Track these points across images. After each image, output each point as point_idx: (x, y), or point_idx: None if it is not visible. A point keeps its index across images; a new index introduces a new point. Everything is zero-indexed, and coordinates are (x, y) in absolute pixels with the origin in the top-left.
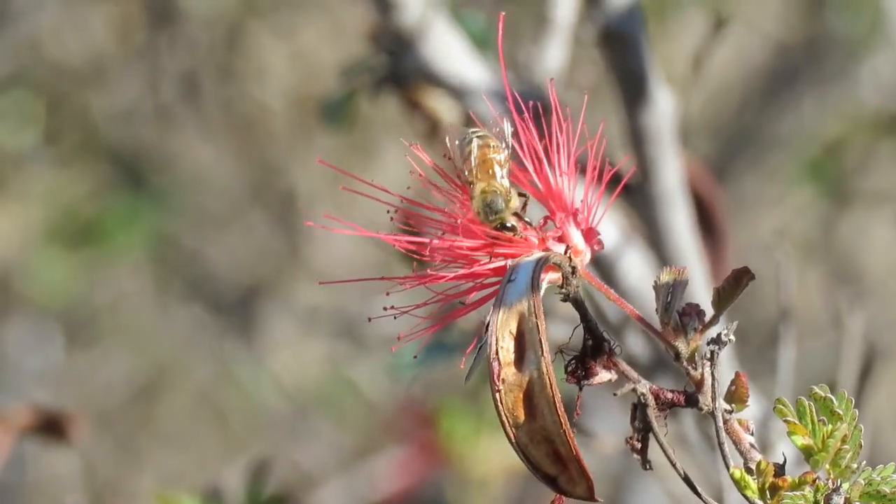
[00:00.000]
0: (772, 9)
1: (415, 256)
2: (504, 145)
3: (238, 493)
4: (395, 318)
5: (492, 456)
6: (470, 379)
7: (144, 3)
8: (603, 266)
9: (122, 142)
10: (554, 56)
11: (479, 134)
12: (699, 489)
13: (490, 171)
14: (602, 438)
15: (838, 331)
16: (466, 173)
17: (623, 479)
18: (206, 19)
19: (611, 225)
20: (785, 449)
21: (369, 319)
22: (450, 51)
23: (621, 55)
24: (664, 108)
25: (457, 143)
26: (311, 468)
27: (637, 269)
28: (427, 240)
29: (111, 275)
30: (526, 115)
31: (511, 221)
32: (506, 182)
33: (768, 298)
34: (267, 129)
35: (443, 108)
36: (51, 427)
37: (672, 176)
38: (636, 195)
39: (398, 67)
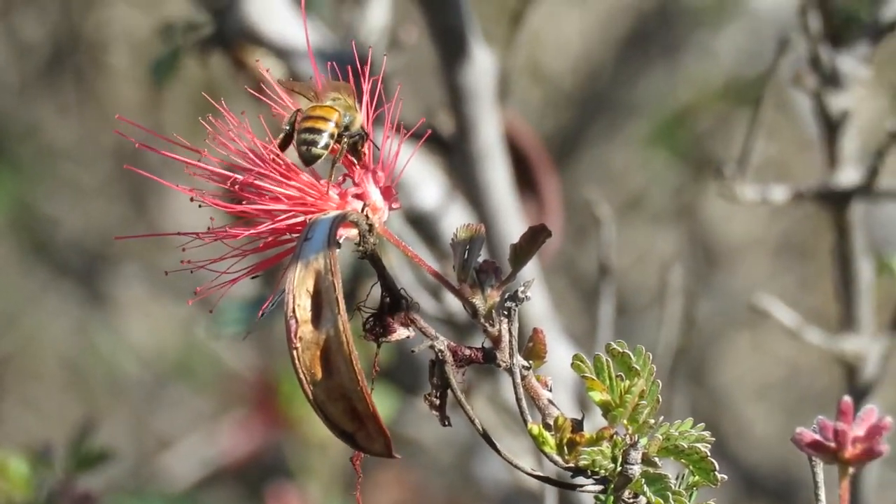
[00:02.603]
0: None
1: (234, 214)
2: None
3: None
4: (191, 272)
5: None
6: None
7: None
8: (426, 224)
9: None
10: (377, 15)
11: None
12: (498, 445)
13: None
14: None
15: (686, 296)
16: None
17: (471, 444)
18: None
19: (433, 184)
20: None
21: (166, 273)
22: (271, 10)
23: (440, 12)
24: (483, 65)
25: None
26: (169, 433)
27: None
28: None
29: None
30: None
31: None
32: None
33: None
34: (123, 97)
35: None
36: None
37: (491, 133)
38: (455, 153)
39: (222, 27)
